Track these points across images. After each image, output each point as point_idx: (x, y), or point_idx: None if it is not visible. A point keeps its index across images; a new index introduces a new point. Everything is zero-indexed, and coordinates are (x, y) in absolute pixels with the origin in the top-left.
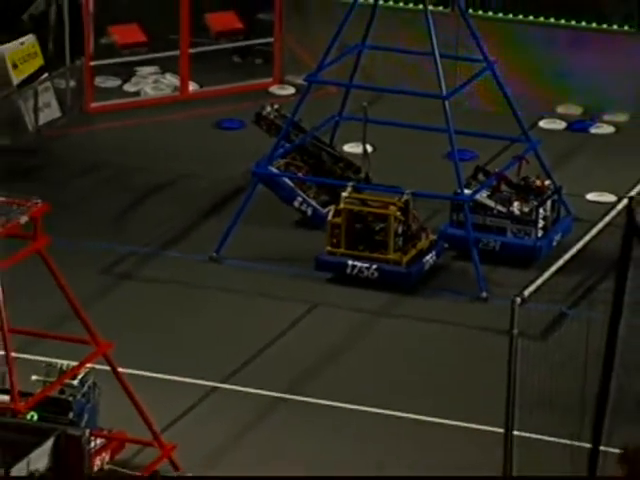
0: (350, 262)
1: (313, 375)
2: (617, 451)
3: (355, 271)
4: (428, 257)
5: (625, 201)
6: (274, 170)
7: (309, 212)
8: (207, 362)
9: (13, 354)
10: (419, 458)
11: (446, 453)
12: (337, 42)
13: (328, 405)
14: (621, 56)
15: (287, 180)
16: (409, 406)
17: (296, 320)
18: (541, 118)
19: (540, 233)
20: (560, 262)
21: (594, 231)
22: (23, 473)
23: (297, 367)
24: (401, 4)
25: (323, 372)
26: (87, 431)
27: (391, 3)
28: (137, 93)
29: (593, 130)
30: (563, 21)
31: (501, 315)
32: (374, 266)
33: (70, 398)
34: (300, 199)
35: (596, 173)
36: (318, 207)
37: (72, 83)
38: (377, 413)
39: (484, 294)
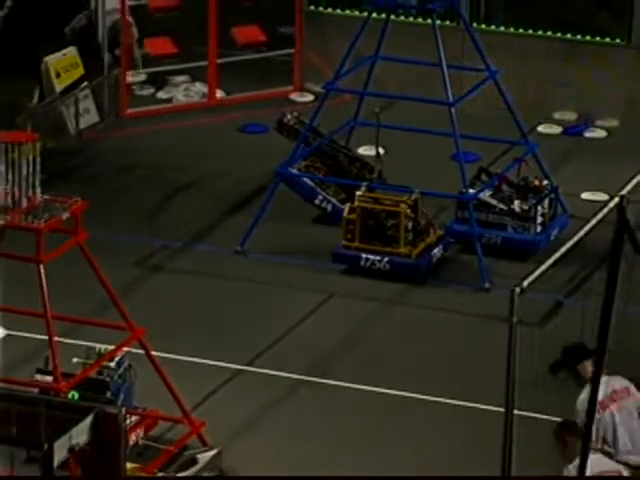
0: (364, 255)
1: (330, 359)
2: None
3: (368, 263)
4: (436, 251)
5: (616, 199)
6: (295, 171)
7: (329, 208)
8: (232, 346)
9: (56, 339)
10: (428, 433)
11: (452, 431)
12: (352, 54)
13: (344, 386)
14: (612, 67)
15: (308, 180)
16: (418, 387)
17: (314, 308)
18: (539, 123)
19: (538, 229)
20: (557, 255)
21: (588, 227)
22: (65, 447)
23: (316, 351)
24: (411, 19)
25: (339, 356)
26: (123, 409)
27: (402, 18)
28: (169, 100)
29: (587, 134)
30: (559, 34)
31: (502, 304)
32: (386, 259)
33: (108, 379)
34: (321, 197)
35: (590, 174)
36: (337, 204)
37: (109, 91)
38: (389, 394)
39: (487, 284)
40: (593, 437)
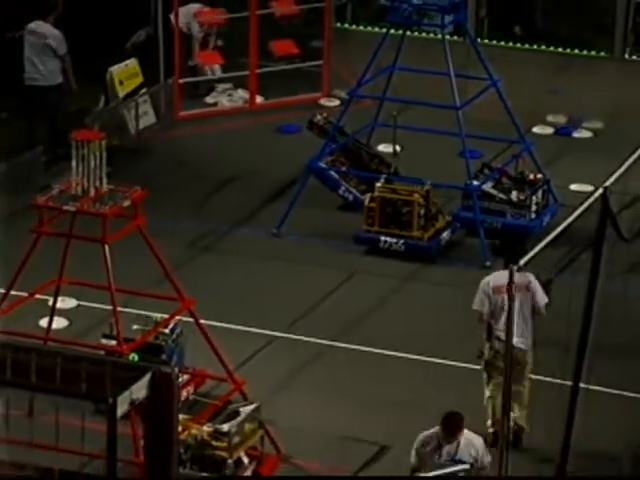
0: (382, 238)
1: (353, 327)
2: (593, 387)
3: (386, 245)
4: (444, 234)
5: (600, 190)
6: (323, 165)
7: (350, 198)
8: (270, 316)
9: (119, 309)
10: (437, 391)
11: (458, 387)
12: (373, 65)
13: (365, 350)
14: (597, 76)
15: (333, 173)
16: (429, 350)
17: (340, 283)
18: (534, 125)
19: (533, 216)
20: (549, 238)
21: (576, 214)
22: (127, 401)
23: (341, 321)
24: (424, 34)
25: (361, 325)
26: (176, 369)
27: (416, 34)
28: (215, 104)
29: (575, 135)
30: (552, 48)
31: None
32: (401, 241)
33: (163, 343)
34: (344, 188)
35: (578, 168)
36: (358, 194)
37: (165, 96)
38: (403, 356)
39: (488, 263)
40: (485, 313)
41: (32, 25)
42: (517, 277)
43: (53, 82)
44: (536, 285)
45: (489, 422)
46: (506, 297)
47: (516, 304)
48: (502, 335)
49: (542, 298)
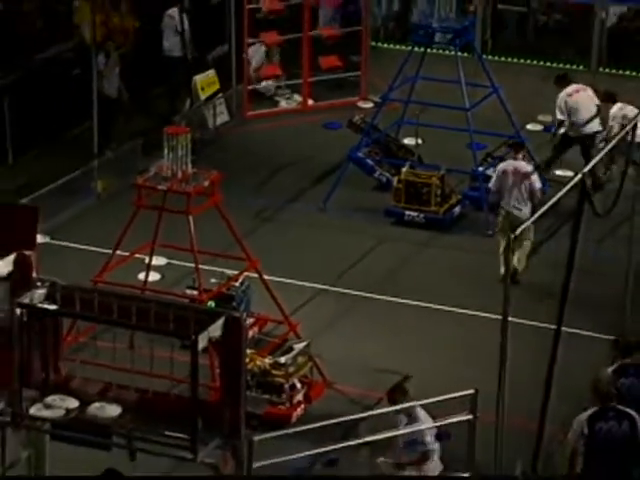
0: (407, 212)
1: (384, 282)
2: (572, 330)
3: (410, 218)
4: (456, 209)
5: (579, 175)
6: (361, 155)
7: (383, 180)
8: (317, 273)
9: (200, 266)
10: (449, 333)
11: (467, 332)
12: (400, 75)
13: (393, 301)
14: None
15: (370, 161)
16: (444, 301)
17: (372, 248)
18: (527, 123)
19: None
20: (540, 212)
21: (560, 194)
22: (205, 339)
23: (372, 277)
24: (440, 51)
25: (390, 281)
26: (244, 313)
27: (434, 51)
28: (276, 105)
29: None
30: (541, 63)
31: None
32: (422, 215)
33: (234, 293)
34: (378, 172)
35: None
36: (389, 177)
37: (236, 99)
38: (422, 306)
39: (490, 232)
40: (494, 190)
41: (170, 11)
42: (520, 165)
43: (180, 54)
44: (535, 175)
45: (502, 270)
46: (510, 179)
47: (517, 184)
48: (507, 207)
49: (537, 184)
